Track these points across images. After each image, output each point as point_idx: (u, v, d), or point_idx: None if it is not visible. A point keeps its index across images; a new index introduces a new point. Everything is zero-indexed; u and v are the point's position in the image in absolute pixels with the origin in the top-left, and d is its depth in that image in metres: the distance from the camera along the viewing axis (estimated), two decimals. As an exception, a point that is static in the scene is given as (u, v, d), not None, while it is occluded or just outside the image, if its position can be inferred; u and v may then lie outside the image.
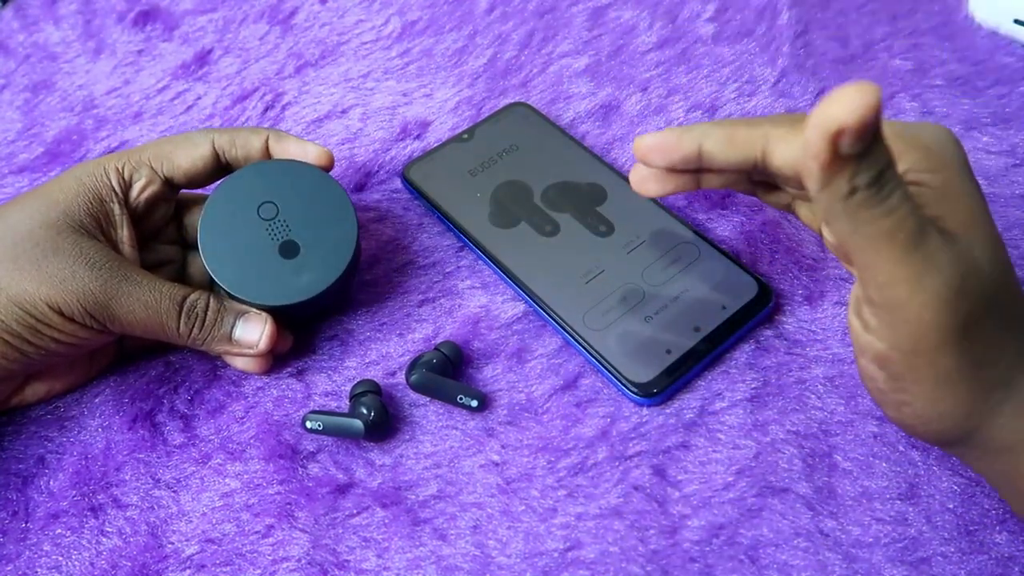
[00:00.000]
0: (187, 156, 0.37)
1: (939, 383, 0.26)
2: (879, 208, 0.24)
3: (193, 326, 0.35)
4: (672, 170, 0.32)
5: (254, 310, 0.36)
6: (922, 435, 0.29)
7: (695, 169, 0.32)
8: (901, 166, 0.27)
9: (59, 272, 0.32)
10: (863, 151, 0.22)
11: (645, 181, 0.32)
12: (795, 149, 0.28)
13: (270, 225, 0.37)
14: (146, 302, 0.33)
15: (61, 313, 0.32)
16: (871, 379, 0.28)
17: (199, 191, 0.41)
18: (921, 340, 0.26)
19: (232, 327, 0.35)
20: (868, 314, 0.27)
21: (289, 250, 0.36)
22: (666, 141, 0.31)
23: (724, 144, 0.30)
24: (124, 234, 0.36)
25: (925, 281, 0.25)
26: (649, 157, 0.31)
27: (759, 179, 0.33)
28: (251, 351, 0.36)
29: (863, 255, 0.25)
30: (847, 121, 0.21)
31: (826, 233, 0.30)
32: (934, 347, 0.26)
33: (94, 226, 0.34)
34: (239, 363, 0.37)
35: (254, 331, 0.35)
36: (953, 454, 0.31)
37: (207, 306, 0.35)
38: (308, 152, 0.38)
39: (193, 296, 0.35)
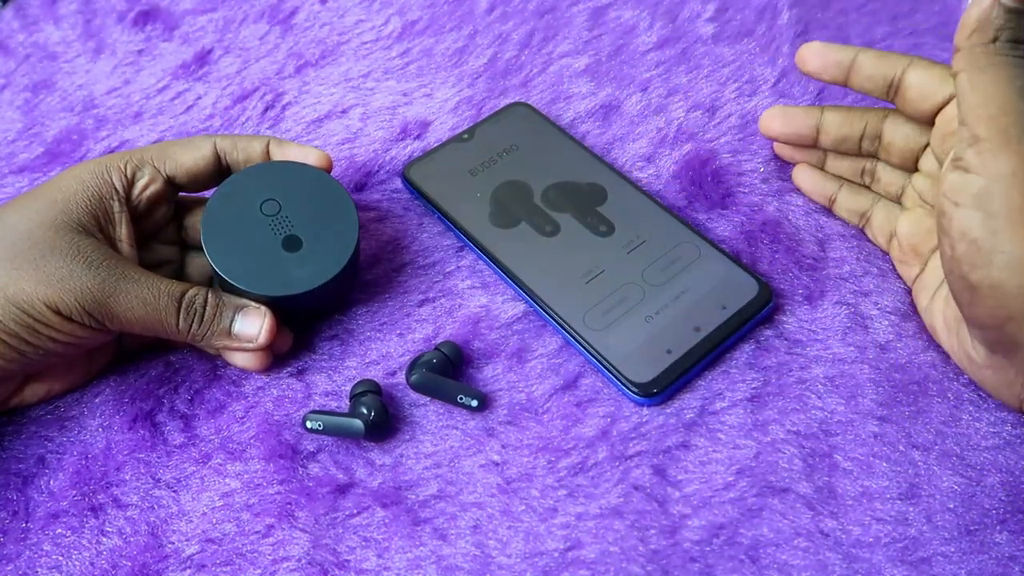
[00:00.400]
0: (189, 156, 0.37)
1: None
2: (1010, 55, 0.30)
3: (192, 322, 0.35)
4: (804, 108, 0.40)
5: (253, 304, 0.36)
6: (1011, 294, 0.29)
7: (810, 144, 0.40)
8: None
9: (56, 271, 0.32)
10: (1016, 10, 0.29)
11: (773, 116, 0.41)
12: (927, 75, 0.35)
13: (273, 221, 0.37)
14: (144, 299, 0.33)
15: (59, 312, 0.32)
16: (965, 233, 0.30)
17: (199, 195, 0.41)
18: (1021, 159, 0.29)
19: (231, 321, 0.35)
20: (972, 155, 0.30)
21: (292, 244, 0.37)
22: (826, 48, 0.38)
23: (876, 57, 0.36)
24: (123, 232, 0.36)
25: None
26: (809, 60, 0.38)
27: (866, 150, 0.39)
28: (250, 345, 0.36)
29: (983, 93, 0.30)
30: None
31: (904, 223, 0.38)
32: None
33: (92, 224, 0.34)
34: (238, 360, 0.37)
35: (253, 325, 0.35)
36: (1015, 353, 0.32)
37: (206, 301, 0.35)
38: (308, 156, 0.39)
39: (191, 292, 0.35)
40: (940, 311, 0.36)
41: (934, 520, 0.32)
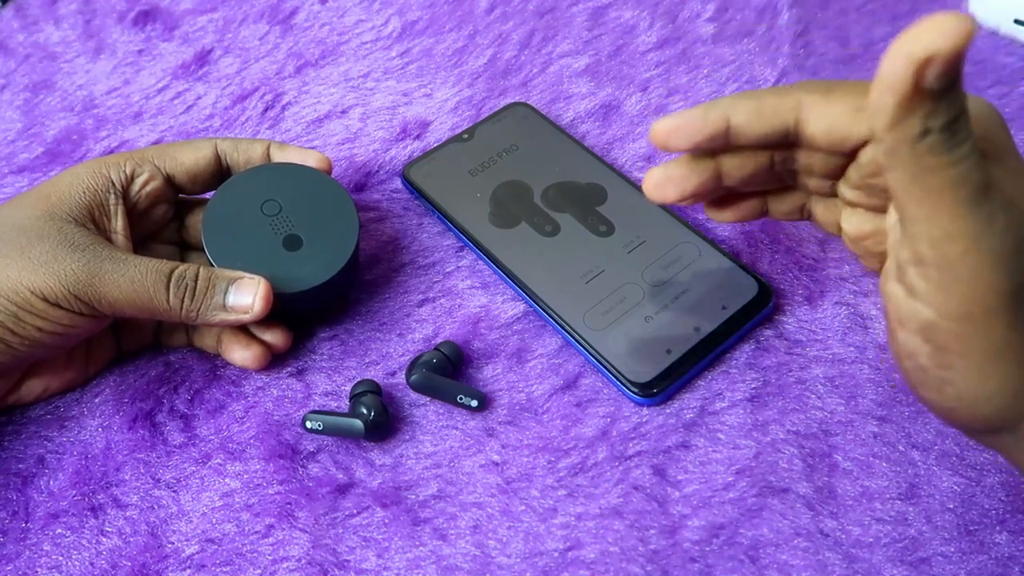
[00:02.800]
0: (190, 155, 0.37)
1: (988, 356, 0.25)
2: (949, 155, 0.22)
3: (183, 297, 0.33)
4: (692, 160, 0.30)
5: (247, 275, 0.35)
6: (963, 419, 0.27)
7: (720, 149, 0.30)
8: None
9: (41, 256, 0.32)
10: (945, 88, 0.21)
11: (661, 186, 0.30)
12: (832, 115, 0.27)
13: (273, 220, 0.37)
14: (132, 277, 0.32)
15: (45, 298, 0.31)
16: (911, 355, 0.26)
17: (200, 196, 0.41)
18: (975, 303, 0.24)
19: (225, 294, 0.34)
20: (915, 276, 0.25)
21: (292, 243, 0.37)
22: (691, 120, 0.28)
23: (754, 115, 0.28)
24: (118, 225, 0.35)
25: (984, 240, 0.23)
26: (671, 139, 0.29)
27: (780, 169, 0.31)
28: (246, 316, 0.34)
29: (920, 207, 0.23)
30: (941, 48, 0.20)
31: (846, 221, 0.30)
32: (988, 311, 0.24)
33: (85, 217, 0.34)
34: (238, 359, 0.37)
35: (247, 295, 0.34)
36: (992, 446, 0.29)
37: (196, 274, 0.34)
38: (308, 159, 0.39)
39: (181, 268, 0.34)
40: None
41: (934, 520, 0.32)
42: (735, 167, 0.30)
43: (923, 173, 0.23)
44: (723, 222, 0.36)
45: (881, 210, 0.29)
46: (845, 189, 0.30)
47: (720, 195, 0.33)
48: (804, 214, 0.33)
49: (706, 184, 0.30)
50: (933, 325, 0.25)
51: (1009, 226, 0.23)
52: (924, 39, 0.20)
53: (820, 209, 0.32)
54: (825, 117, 0.27)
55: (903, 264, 0.25)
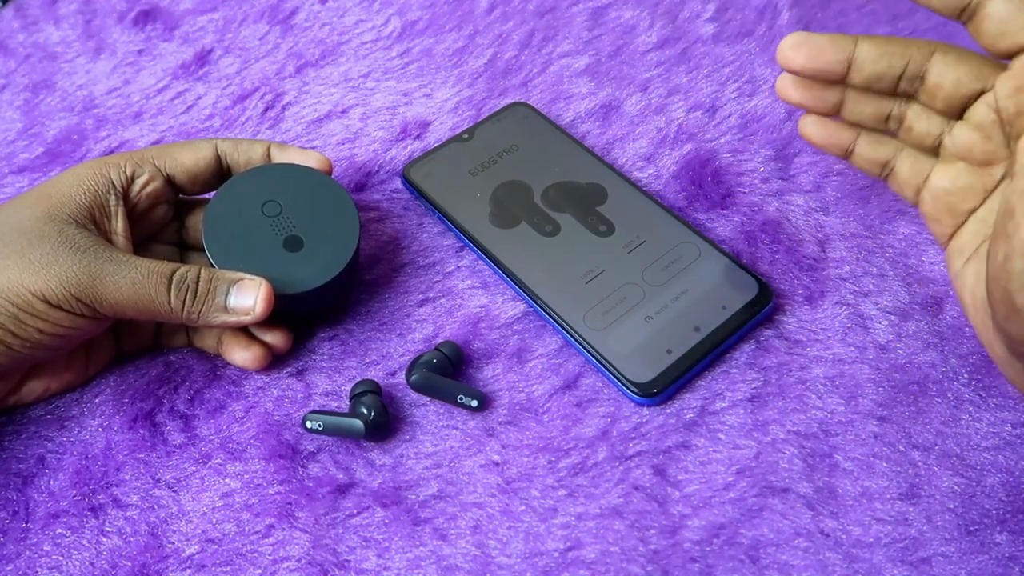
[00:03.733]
0: (190, 156, 0.37)
1: None
2: None
3: (185, 299, 0.33)
4: (813, 80, 0.33)
5: (248, 276, 0.35)
6: None
7: (837, 80, 0.32)
8: None
9: (42, 258, 0.32)
10: None
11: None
12: (968, 66, 0.30)
13: (274, 221, 0.37)
14: (133, 279, 0.32)
15: (46, 300, 0.31)
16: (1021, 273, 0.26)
17: (200, 196, 0.41)
18: None
19: (226, 295, 0.34)
20: None
21: (293, 244, 0.37)
22: (816, 43, 0.31)
23: (882, 47, 0.31)
24: (119, 226, 0.35)
25: None
26: (791, 58, 0.31)
27: (893, 111, 0.33)
28: (248, 318, 0.34)
29: None
30: None
31: (939, 176, 0.32)
32: None
33: (86, 218, 0.34)
34: (238, 360, 0.37)
35: (248, 296, 0.34)
36: None
37: (198, 277, 0.34)
38: (309, 159, 0.39)
39: (182, 269, 0.34)
40: (970, 286, 0.32)
41: (934, 520, 0.32)
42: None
43: None
44: (810, 138, 0.36)
45: (986, 165, 0.31)
46: (961, 133, 0.31)
47: (827, 110, 0.34)
48: (885, 170, 0.35)
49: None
50: None
51: None
52: None
53: (907, 166, 0.34)
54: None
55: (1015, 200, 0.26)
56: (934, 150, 0.33)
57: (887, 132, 0.34)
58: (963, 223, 0.33)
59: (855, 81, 0.33)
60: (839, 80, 0.33)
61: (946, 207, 0.33)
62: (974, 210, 0.32)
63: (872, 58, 0.32)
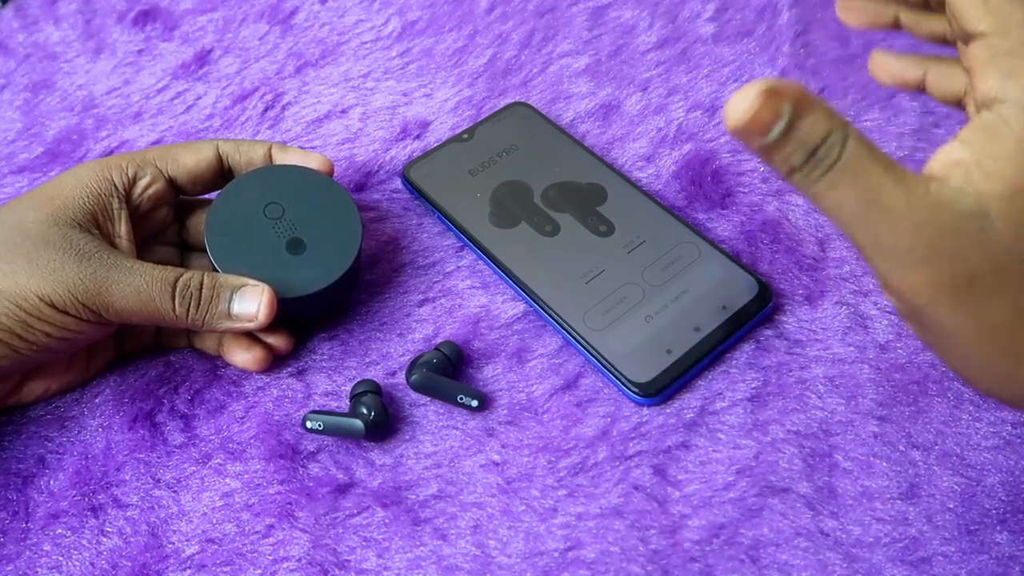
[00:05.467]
0: (192, 157, 0.37)
1: None
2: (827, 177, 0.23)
3: (189, 306, 0.34)
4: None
5: (251, 282, 0.35)
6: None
7: None
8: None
9: (49, 263, 0.32)
10: (782, 133, 0.23)
11: (848, 8, 0.34)
12: None
13: (276, 224, 0.37)
14: (138, 287, 0.33)
15: (53, 305, 0.32)
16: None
17: (201, 197, 0.41)
18: None
19: (229, 302, 0.34)
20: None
21: (296, 247, 0.37)
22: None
23: None
24: (122, 229, 0.35)
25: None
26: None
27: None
28: (251, 324, 0.35)
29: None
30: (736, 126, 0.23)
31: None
32: None
33: (89, 221, 0.34)
34: (238, 360, 0.37)
35: (251, 303, 0.34)
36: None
37: (201, 283, 0.34)
38: (310, 161, 0.39)
39: (186, 276, 0.34)
40: None
41: (934, 520, 0.32)
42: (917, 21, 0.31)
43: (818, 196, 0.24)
44: (880, 75, 0.35)
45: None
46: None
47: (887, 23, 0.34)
48: (948, 40, 0.32)
49: (880, 20, 0.33)
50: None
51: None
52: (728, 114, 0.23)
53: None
54: None
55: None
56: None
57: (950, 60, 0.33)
58: None
59: None
60: None
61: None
62: None
63: None
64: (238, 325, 0.35)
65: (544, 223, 0.41)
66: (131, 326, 0.38)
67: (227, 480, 0.35)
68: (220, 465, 0.35)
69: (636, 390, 0.35)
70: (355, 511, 0.34)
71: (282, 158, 0.39)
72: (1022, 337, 0.25)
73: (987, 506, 0.32)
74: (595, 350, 0.36)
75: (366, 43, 0.53)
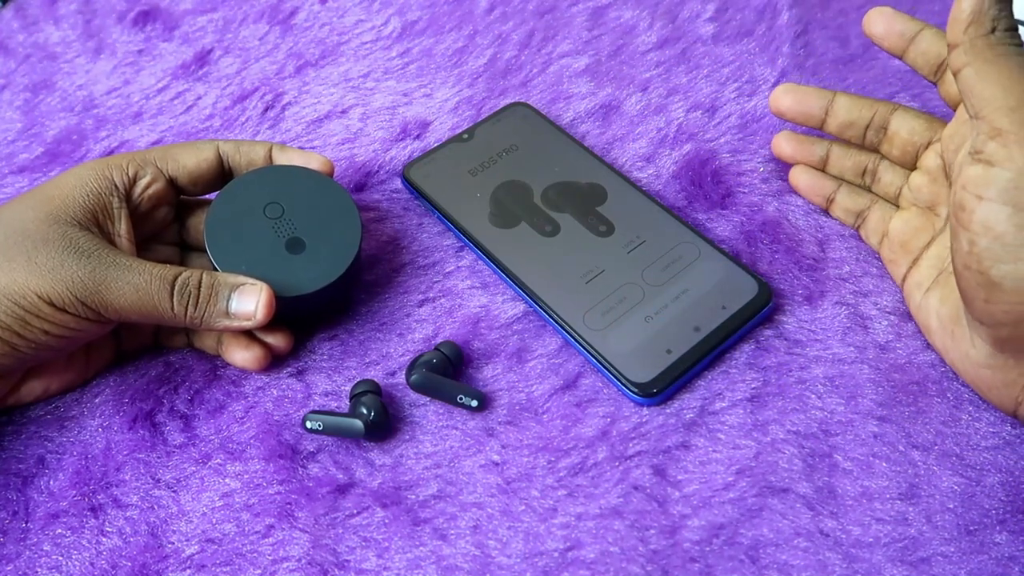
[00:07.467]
0: (192, 157, 0.37)
1: None
2: (1012, 45, 0.30)
3: (187, 304, 0.34)
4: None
5: (249, 280, 0.35)
6: None
7: (816, 124, 0.40)
8: None
9: (48, 261, 0.32)
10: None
11: (781, 142, 0.42)
12: (920, 121, 0.38)
13: (276, 223, 0.37)
14: (136, 285, 0.33)
15: (52, 303, 0.32)
16: (989, 228, 0.29)
17: (200, 198, 0.41)
18: None
19: (227, 300, 0.34)
20: (994, 148, 0.29)
21: (295, 246, 0.37)
22: (803, 92, 0.40)
23: (855, 101, 0.39)
24: (122, 228, 0.35)
25: None
26: (782, 100, 0.41)
27: (868, 166, 0.41)
28: (249, 323, 0.35)
29: (996, 86, 0.30)
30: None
31: (898, 220, 0.38)
32: None
33: (89, 220, 0.34)
34: (238, 360, 0.37)
35: (249, 302, 0.34)
36: None
37: (199, 282, 0.34)
38: (311, 161, 0.39)
39: (185, 274, 0.34)
40: (934, 309, 0.36)
41: (934, 520, 0.32)
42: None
43: (997, 58, 0.30)
44: (798, 186, 0.42)
45: (932, 207, 0.37)
46: (914, 178, 0.38)
47: (815, 163, 0.42)
48: (859, 220, 0.41)
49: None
50: (1014, 184, 0.29)
51: None
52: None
53: (876, 216, 0.40)
54: (913, 121, 0.38)
55: (979, 145, 0.30)
56: (897, 200, 0.39)
57: (863, 187, 0.41)
58: (917, 259, 0.37)
59: (831, 127, 0.40)
60: (818, 124, 0.40)
61: (900, 246, 0.38)
62: (927, 246, 0.37)
63: (846, 108, 0.39)
64: (236, 323, 0.35)
65: (544, 223, 0.41)
66: (129, 325, 0.38)
67: (227, 480, 0.35)
68: (220, 465, 0.35)
69: (636, 390, 0.35)
70: (355, 511, 0.34)
71: (282, 158, 0.39)
72: None
73: (987, 506, 0.32)
74: (595, 350, 0.36)
75: (366, 43, 0.53)
